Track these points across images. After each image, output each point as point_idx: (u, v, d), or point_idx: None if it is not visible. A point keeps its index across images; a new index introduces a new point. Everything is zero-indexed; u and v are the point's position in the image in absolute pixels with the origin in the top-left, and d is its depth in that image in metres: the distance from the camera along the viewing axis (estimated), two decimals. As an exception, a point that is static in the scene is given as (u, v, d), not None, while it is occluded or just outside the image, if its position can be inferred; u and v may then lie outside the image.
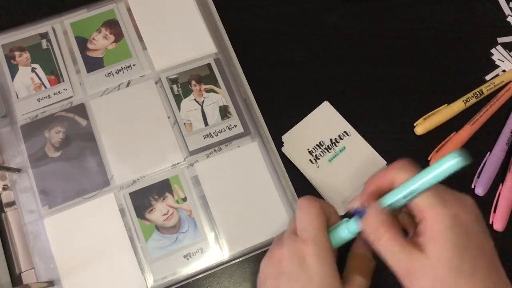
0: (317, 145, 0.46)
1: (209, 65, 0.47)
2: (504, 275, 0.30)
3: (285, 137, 0.46)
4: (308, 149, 0.46)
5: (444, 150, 0.46)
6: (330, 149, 0.46)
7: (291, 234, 0.35)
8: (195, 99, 0.46)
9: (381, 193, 0.32)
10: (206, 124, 0.45)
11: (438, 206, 0.29)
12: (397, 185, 0.31)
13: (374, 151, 0.46)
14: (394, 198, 0.31)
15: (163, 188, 0.43)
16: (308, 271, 0.32)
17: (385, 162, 0.46)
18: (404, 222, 0.34)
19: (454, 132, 0.47)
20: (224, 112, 0.46)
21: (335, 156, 0.46)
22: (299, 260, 0.32)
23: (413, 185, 0.30)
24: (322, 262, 0.32)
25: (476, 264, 0.29)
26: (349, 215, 0.44)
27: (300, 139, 0.46)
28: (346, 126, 0.47)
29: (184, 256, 0.42)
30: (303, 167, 0.45)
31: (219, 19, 0.49)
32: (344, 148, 0.46)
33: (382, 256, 0.31)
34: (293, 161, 0.46)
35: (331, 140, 0.46)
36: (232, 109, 0.46)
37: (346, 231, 0.34)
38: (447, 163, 0.29)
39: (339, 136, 0.46)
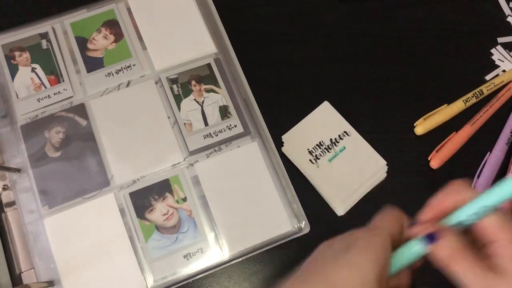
0: (317, 145, 0.46)
1: (209, 65, 0.47)
2: None
3: (285, 137, 0.46)
4: (308, 149, 0.46)
5: (444, 150, 0.46)
6: (330, 149, 0.46)
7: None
8: (195, 99, 0.46)
9: (443, 217, 0.30)
10: (206, 124, 0.45)
11: (507, 227, 0.27)
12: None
13: (374, 151, 0.46)
14: (464, 215, 0.28)
15: (163, 188, 0.43)
16: (345, 256, 0.28)
17: (385, 162, 0.46)
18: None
19: (454, 132, 0.47)
20: (224, 112, 0.46)
21: (335, 156, 0.46)
22: (349, 243, 0.29)
23: (486, 199, 0.28)
24: (367, 253, 0.28)
25: None
26: (350, 219, 0.44)
27: (300, 139, 0.46)
28: (346, 126, 0.47)
29: (184, 256, 0.42)
30: (303, 167, 0.45)
31: (219, 19, 0.49)
32: (344, 148, 0.46)
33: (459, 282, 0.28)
34: (293, 161, 0.46)
35: (331, 140, 0.46)
36: (232, 109, 0.46)
37: (414, 249, 0.30)
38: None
39: (339, 136, 0.46)
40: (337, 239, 0.30)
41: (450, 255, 0.28)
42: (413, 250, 0.30)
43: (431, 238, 0.29)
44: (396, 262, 0.30)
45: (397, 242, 0.31)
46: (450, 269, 0.28)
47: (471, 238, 0.29)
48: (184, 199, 0.43)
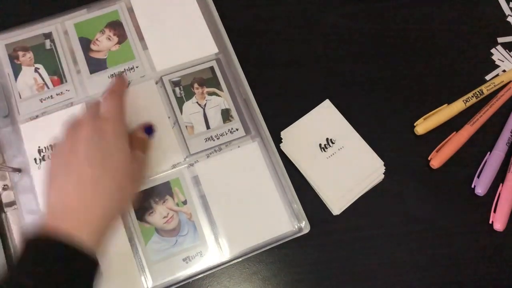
0: (315, 143, 0.46)
1: (211, 68, 0.47)
2: None
3: (283, 134, 0.46)
4: (306, 147, 0.46)
5: (444, 150, 0.46)
6: (328, 147, 0.46)
7: (91, 115, 0.38)
8: (197, 102, 0.46)
9: None
10: (208, 127, 0.45)
11: None
12: None
13: (372, 151, 0.46)
14: None
15: (163, 190, 0.43)
16: (108, 142, 0.36)
17: (382, 163, 0.46)
18: None
19: (454, 132, 0.47)
20: (226, 115, 0.46)
21: (333, 154, 0.46)
22: (100, 134, 0.36)
23: None
24: (119, 135, 0.37)
25: None
26: (345, 217, 0.44)
27: (298, 136, 0.46)
28: (345, 125, 0.47)
29: (183, 259, 0.42)
30: (300, 165, 0.45)
31: (219, 19, 0.49)
32: (343, 147, 0.46)
33: None
34: (290, 158, 0.46)
35: (329, 138, 0.46)
36: (234, 112, 0.46)
37: None
38: None
39: (338, 134, 0.46)
40: (75, 138, 0.36)
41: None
42: None
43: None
44: None
45: None
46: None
47: None
48: (184, 202, 0.43)
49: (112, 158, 0.36)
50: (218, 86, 0.47)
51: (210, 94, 0.46)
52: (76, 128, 0.37)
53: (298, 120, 0.47)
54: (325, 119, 0.47)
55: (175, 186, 0.43)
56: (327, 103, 0.48)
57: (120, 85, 0.41)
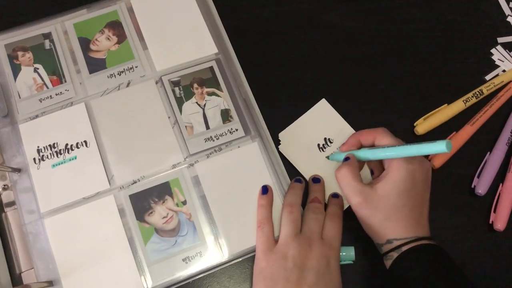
0: (313, 143, 0.46)
1: (211, 68, 0.47)
2: (425, 219, 0.40)
3: (281, 135, 0.46)
4: (305, 148, 0.46)
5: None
6: (327, 147, 0.46)
7: (318, 236, 0.40)
8: (196, 102, 0.46)
9: (360, 145, 0.44)
10: (207, 127, 0.45)
11: (404, 161, 0.39)
12: (376, 144, 0.42)
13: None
14: (364, 155, 0.42)
15: (163, 191, 0.43)
16: (332, 272, 0.39)
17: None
18: (373, 166, 0.44)
19: (454, 132, 0.47)
20: (225, 115, 0.46)
21: (331, 154, 0.46)
22: (327, 261, 0.39)
23: (395, 153, 0.39)
24: (339, 267, 0.40)
25: (408, 203, 0.38)
26: (346, 217, 0.44)
27: (296, 137, 0.46)
28: (342, 123, 0.47)
29: (183, 260, 0.41)
30: (300, 166, 0.45)
31: (219, 19, 0.49)
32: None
33: (341, 189, 0.41)
34: (289, 160, 0.46)
35: (327, 138, 0.46)
36: (233, 112, 0.46)
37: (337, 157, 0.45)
38: (434, 147, 0.35)
39: (336, 133, 0.46)
40: (304, 255, 0.39)
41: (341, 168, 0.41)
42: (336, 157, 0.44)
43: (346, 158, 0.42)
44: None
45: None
46: (336, 175, 0.42)
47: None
48: (184, 202, 0.43)
49: None
50: (217, 86, 0.47)
51: (210, 94, 0.46)
52: (294, 254, 0.39)
53: (295, 121, 0.47)
54: (322, 118, 0.47)
55: (174, 186, 0.43)
56: (323, 102, 0.48)
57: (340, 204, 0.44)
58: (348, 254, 0.42)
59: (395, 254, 0.38)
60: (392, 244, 0.38)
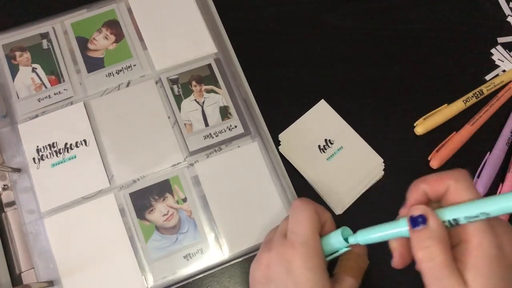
0: (314, 144, 0.46)
1: (209, 65, 0.47)
2: None
3: (281, 136, 0.46)
4: (305, 149, 0.46)
5: (444, 150, 0.46)
6: (328, 148, 0.46)
7: (280, 236, 0.33)
8: (195, 100, 0.46)
9: (428, 200, 0.29)
10: (206, 124, 0.45)
11: (487, 233, 0.26)
12: (453, 196, 0.27)
13: (371, 148, 0.46)
14: (460, 214, 0.26)
15: (163, 188, 0.43)
16: (295, 278, 0.30)
17: (381, 160, 0.46)
18: (398, 245, 0.30)
19: (454, 132, 0.47)
20: (224, 112, 0.46)
21: (333, 155, 0.46)
22: (286, 266, 0.30)
23: (491, 207, 0.25)
24: (310, 268, 0.30)
25: None
26: (347, 218, 0.44)
27: (296, 139, 0.46)
28: (342, 124, 0.47)
29: (184, 257, 0.42)
30: (300, 166, 0.45)
31: (219, 19, 0.49)
32: (342, 147, 0.46)
33: (422, 275, 0.27)
34: (290, 161, 0.46)
35: (328, 139, 0.46)
36: (232, 109, 0.46)
37: (340, 239, 0.31)
38: None
39: (336, 134, 0.46)
40: (269, 263, 0.32)
41: (430, 247, 0.27)
42: (343, 232, 0.31)
43: (415, 222, 0.27)
44: (326, 246, 0.32)
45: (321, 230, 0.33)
46: (421, 263, 0.27)
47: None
48: (184, 200, 0.43)
49: None
50: (216, 83, 0.47)
51: (208, 91, 0.46)
52: (265, 261, 0.32)
53: (295, 122, 0.47)
54: (321, 119, 0.47)
55: (174, 184, 0.43)
56: (322, 103, 0.48)
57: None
58: (337, 240, 0.31)
59: None
60: None
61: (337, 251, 0.33)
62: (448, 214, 0.27)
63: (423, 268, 0.27)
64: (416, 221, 0.27)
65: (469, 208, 0.26)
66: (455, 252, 0.27)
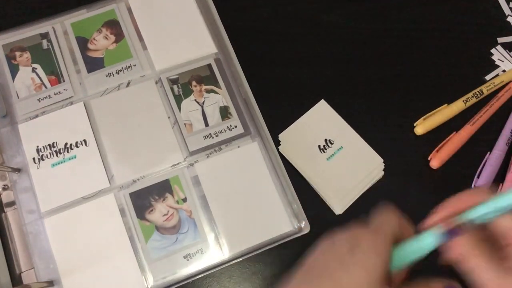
0: (314, 144, 0.46)
1: (209, 65, 0.47)
2: None
3: (281, 136, 0.46)
4: (305, 149, 0.46)
5: (444, 150, 0.46)
6: (327, 148, 0.46)
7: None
8: (195, 100, 0.46)
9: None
10: (206, 124, 0.45)
11: None
12: None
13: (371, 148, 0.46)
14: (476, 214, 0.27)
15: (163, 188, 0.43)
16: (356, 261, 0.28)
17: (381, 160, 0.46)
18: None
19: (454, 132, 0.47)
20: (224, 112, 0.46)
21: (333, 155, 0.46)
22: (352, 245, 0.28)
23: (501, 201, 0.26)
24: (372, 254, 0.28)
25: None
26: (347, 218, 0.44)
27: (296, 138, 0.46)
28: (342, 124, 0.47)
29: (184, 257, 0.42)
30: (300, 166, 0.45)
31: (219, 19, 0.49)
32: (342, 147, 0.46)
33: (472, 279, 0.28)
34: (290, 161, 0.46)
35: (328, 139, 0.46)
36: (232, 109, 0.46)
37: (427, 243, 0.30)
38: None
39: (336, 134, 0.46)
40: (338, 238, 0.30)
41: (467, 252, 0.28)
42: (426, 243, 0.30)
43: (450, 233, 0.28)
44: (405, 256, 0.30)
45: (396, 241, 0.31)
46: (465, 265, 0.28)
47: (491, 240, 0.28)
48: (184, 200, 0.43)
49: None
50: (216, 83, 0.47)
51: (208, 91, 0.46)
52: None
53: (295, 122, 0.47)
54: (321, 119, 0.47)
55: (174, 184, 0.43)
56: (322, 103, 0.48)
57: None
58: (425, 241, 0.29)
59: None
60: None
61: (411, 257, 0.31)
62: (465, 216, 0.28)
63: (470, 273, 0.28)
64: (450, 233, 0.28)
65: (481, 207, 0.27)
66: (504, 253, 0.28)
